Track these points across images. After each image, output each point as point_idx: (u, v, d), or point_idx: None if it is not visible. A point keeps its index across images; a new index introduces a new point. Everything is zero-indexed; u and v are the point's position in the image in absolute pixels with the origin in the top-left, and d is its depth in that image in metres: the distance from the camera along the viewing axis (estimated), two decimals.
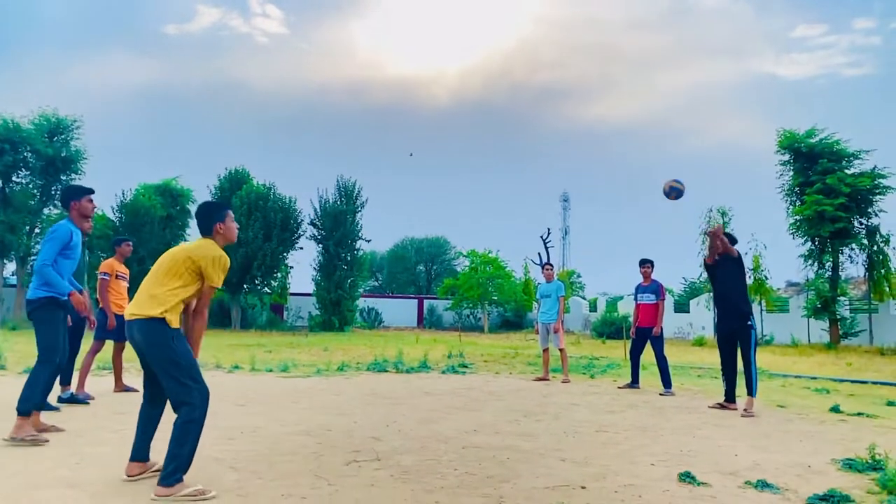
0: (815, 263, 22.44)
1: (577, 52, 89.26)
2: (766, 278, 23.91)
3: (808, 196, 21.58)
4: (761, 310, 23.86)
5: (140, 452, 3.97)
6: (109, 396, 7.47)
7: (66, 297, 5.21)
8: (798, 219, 22.34)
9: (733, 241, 7.63)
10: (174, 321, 3.81)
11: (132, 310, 3.84)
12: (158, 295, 3.80)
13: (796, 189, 22.94)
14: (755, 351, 7.31)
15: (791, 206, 23.05)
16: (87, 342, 7.28)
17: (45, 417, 5.41)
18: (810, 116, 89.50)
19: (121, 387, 7.83)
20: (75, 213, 5.37)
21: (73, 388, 7.01)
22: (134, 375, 9.11)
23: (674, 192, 7.60)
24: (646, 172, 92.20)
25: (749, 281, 23.95)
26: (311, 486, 3.89)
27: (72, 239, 5.26)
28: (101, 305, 7.51)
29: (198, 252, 3.88)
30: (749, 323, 7.23)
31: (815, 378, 11.19)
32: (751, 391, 7.12)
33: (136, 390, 7.65)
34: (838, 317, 21.50)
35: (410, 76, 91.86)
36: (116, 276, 7.70)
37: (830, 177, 21.24)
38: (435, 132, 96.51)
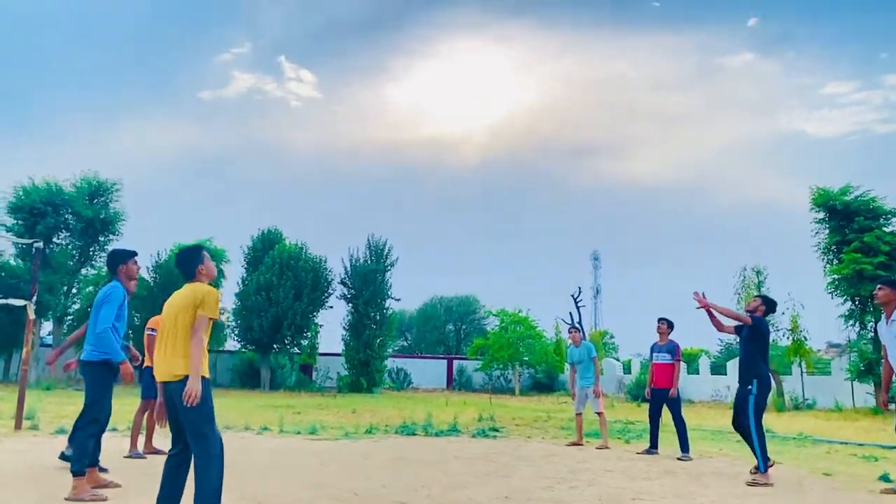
0: (857, 324, 21.80)
1: (604, 110, 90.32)
2: (806, 339, 23.23)
3: (846, 255, 21.15)
4: (801, 372, 23.14)
5: None
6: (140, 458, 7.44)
7: (117, 363, 5.31)
8: (836, 278, 21.84)
9: (772, 305, 7.50)
10: (206, 371, 4.08)
11: (172, 372, 4.04)
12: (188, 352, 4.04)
13: (833, 247, 22.50)
14: (754, 418, 6.94)
15: (828, 265, 22.58)
16: (132, 400, 7.31)
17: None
18: (844, 173, 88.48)
19: (150, 448, 7.79)
20: (123, 275, 5.58)
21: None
22: (162, 437, 9.10)
23: None
24: (678, 230, 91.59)
25: (787, 342, 23.40)
26: None
27: (124, 300, 5.42)
28: (147, 363, 7.53)
29: (195, 296, 4.16)
30: (749, 388, 6.99)
31: (861, 444, 10.71)
32: (759, 461, 6.82)
33: (165, 452, 7.62)
34: None
35: (440, 136, 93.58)
36: None
37: (868, 235, 20.84)
38: (464, 191, 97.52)
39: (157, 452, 7.65)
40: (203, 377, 4.01)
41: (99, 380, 5.26)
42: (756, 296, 7.48)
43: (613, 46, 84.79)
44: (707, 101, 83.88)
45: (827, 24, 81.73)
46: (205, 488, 3.91)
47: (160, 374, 4.15)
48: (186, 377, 3.96)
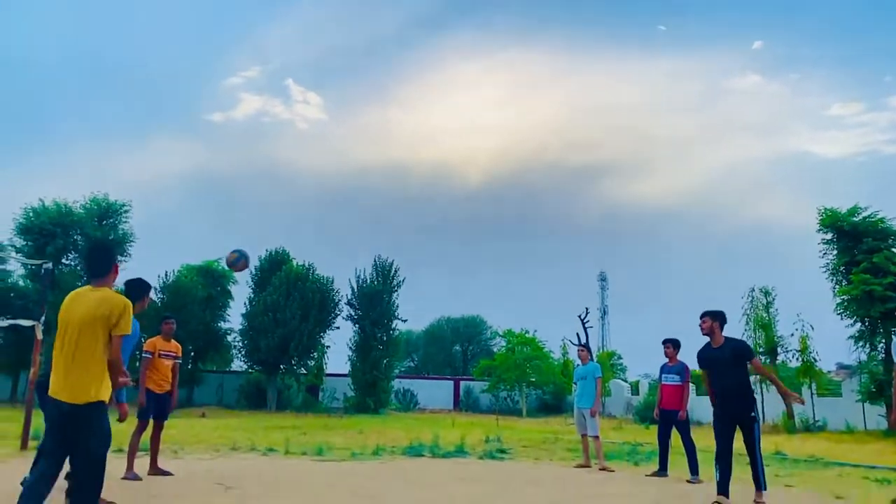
0: (867, 345, 21.60)
1: (610, 132, 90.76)
2: (816, 360, 23.04)
3: (855, 276, 21.01)
4: (812, 394, 22.91)
5: None
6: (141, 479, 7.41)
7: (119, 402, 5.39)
8: (845, 299, 21.69)
9: (722, 317, 7.12)
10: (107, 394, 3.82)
11: (77, 395, 3.68)
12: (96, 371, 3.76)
13: (841, 268, 22.38)
14: (759, 443, 6.80)
15: (837, 286, 22.44)
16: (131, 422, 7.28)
17: None
18: (851, 194, 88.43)
19: (154, 469, 7.75)
20: (138, 306, 5.62)
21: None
22: (168, 458, 9.07)
23: (238, 262, 7.70)
24: (685, 251, 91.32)
25: (797, 363, 23.20)
26: None
27: (139, 337, 5.49)
28: (147, 386, 7.53)
29: (110, 312, 3.76)
30: (753, 414, 6.77)
31: (873, 467, 10.56)
32: (761, 482, 6.73)
33: (171, 473, 7.59)
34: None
35: (445, 158, 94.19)
36: (160, 355, 7.78)
37: (877, 256, 20.70)
38: (471, 212, 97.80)
39: (162, 473, 7.62)
40: (101, 401, 3.76)
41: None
42: (703, 315, 7.08)
43: (620, 70, 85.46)
44: (714, 124, 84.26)
45: (831, 47, 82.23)
46: None
47: (61, 392, 3.71)
48: (93, 403, 3.69)
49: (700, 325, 7.04)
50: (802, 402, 7.04)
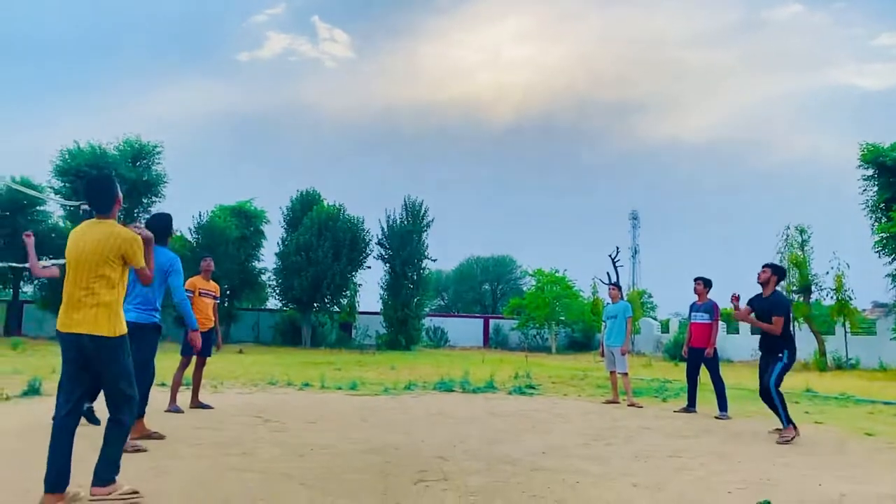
0: None
1: (643, 67, 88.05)
2: (851, 299, 22.70)
3: (895, 213, 20.48)
4: (845, 332, 22.70)
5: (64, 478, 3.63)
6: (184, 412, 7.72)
7: (194, 329, 6.45)
8: (884, 236, 21.20)
9: (782, 272, 7.63)
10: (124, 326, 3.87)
11: (91, 328, 3.68)
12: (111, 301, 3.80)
13: (881, 205, 21.81)
14: (776, 380, 7.02)
15: (876, 224, 21.91)
16: (174, 359, 7.55)
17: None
18: (895, 128, 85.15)
19: (196, 402, 8.05)
20: (167, 240, 5.89)
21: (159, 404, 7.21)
22: (208, 392, 9.41)
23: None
24: (719, 189, 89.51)
25: (831, 301, 22.91)
26: None
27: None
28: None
29: (119, 245, 3.77)
30: (780, 355, 7.06)
31: None
32: (783, 419, 6.88)
33: (211, 407, 7.89)
34: None
35: (474, 95, 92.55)
36: (199, 294, 7.96)
37: None
38: (500, 150, 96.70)
39: (203, 407, 7.92)
40: (118, 337, 3.76)
41: (148, 342, 5.45)
42: (764, 266, 7.37)
43: (652, 1, 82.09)
44: (752, 57, 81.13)
45: None
46: (113, 455, 3.77)
47: (72, 325, 3.68)
48: (110, 338, 3.69)
49: (759, 273, 7.35)
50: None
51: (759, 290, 7.36)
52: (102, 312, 3.69)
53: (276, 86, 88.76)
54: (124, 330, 3.82)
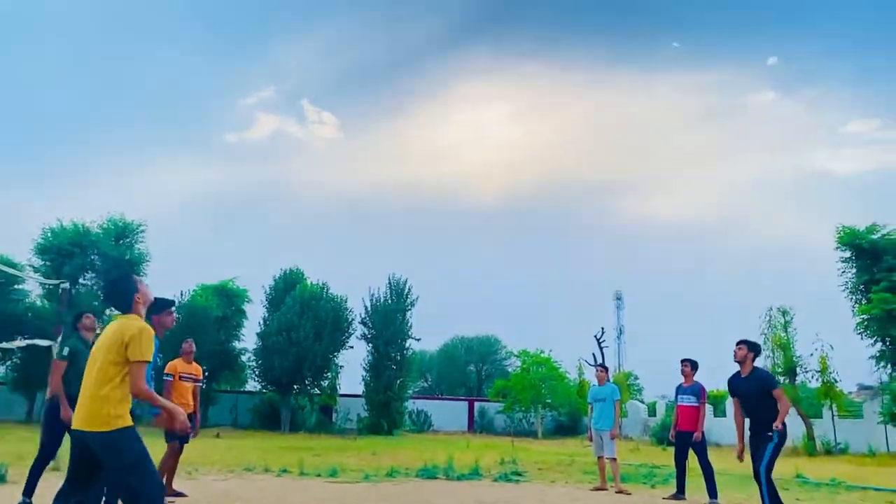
0: (889, 365, 21.23)
1: (626, 149, 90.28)
2: (836, 381, 22.62)
3: (875, 294, 20.72)
4: (832, 415, 22.51)
5: None
6: None
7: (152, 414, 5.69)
8: (865, 318, 21.38)
9: (758, 349, 7.36)
10: (128, 418, 3.71)
11: (88, 423, 3.61)
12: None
13: (861, 287, 22.10)
14: (767, 465, 6.69)
15: (857, 305, 22.13)
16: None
17: None
18: (869, 211, 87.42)
19: (170, 490, 7.72)
20: (157, 325, 5.54)
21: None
22: (182, 479, 9.04)
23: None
24: (702, 270, 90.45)
25: (817, 384, 22.81)
26: None
27: (157, 351, 5.46)
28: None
29: (122, 334, 3.67)
30: (770, 434, 6.75)
31: None
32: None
33: (185, 495, 7.57)
34: None
35: (459, 175, 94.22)
36: (180, 378, 7.77)
37: None
38: (485, 230, 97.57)
39: (177, 495, 7.60)
40: (126, 427, 3.64)
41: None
42: (739, 343, 7.21)
43: (633, 87, 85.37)
44: (729, 141, 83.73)
45: (847, 63, 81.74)
46: None
47: (76, 421, 3.67)
48: (110, 433, 3.56)
49: (735, 351, 7.19)
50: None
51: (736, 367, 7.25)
52: (107, 407, 3.64)
53: (262, 165, 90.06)
54: (126, 423, 3.71)
